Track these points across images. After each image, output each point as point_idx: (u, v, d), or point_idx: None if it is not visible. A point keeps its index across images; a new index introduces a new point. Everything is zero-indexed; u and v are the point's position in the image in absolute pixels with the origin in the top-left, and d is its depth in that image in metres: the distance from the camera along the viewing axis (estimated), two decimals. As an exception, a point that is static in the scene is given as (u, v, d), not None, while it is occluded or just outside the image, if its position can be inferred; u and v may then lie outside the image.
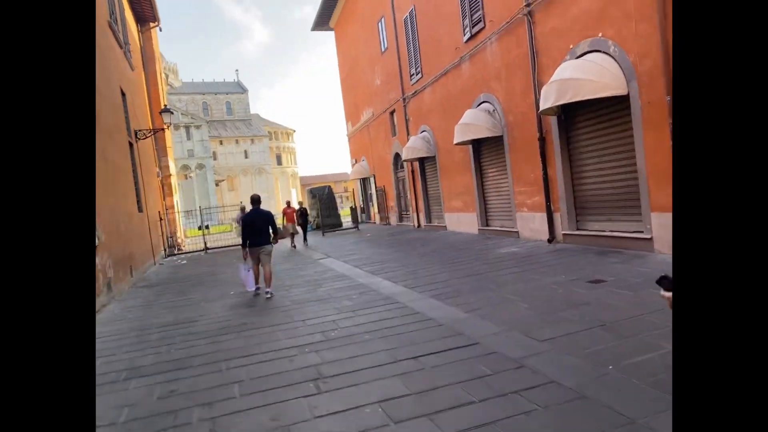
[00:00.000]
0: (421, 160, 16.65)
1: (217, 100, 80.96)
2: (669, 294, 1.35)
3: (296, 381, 3.88)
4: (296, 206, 17.60)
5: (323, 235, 20.23)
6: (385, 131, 20.12)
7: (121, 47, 14.13)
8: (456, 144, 12.40)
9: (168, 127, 16.25)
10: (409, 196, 18.38)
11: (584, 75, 7.43)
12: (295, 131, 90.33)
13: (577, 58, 8.15)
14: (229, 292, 8.71)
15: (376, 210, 23.04)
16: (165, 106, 16.12)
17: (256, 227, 7.84)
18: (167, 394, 3.92)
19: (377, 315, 5.72)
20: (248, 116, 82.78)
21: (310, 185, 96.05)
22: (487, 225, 12.79)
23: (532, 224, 10.41)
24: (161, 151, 21.96)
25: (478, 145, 12.65)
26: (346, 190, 19.74)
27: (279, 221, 11.77)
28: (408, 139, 17.19)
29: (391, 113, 19.33)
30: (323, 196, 23.67)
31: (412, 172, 17.47)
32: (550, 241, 9.68)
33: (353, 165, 26.02)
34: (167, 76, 70.26)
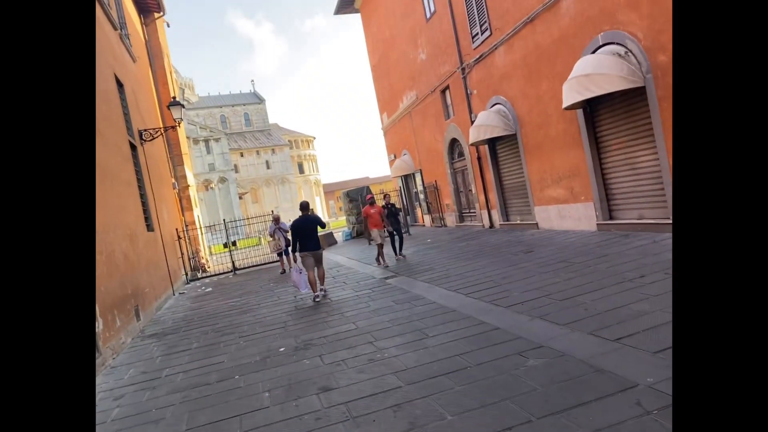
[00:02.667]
0: (492, 143, 13.30)
1: (235, 111, 79.22)
2: None
3: None
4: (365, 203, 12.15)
5: (369, 243, 17.02)
6: (435, 115, 16.83)
7: (115, 28, 11.23)
8: (567, 108, 9.03)
9: (179, 124, 13.27)
10: (474, 190, 15.01)
11: None
12: (315, 138, 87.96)
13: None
14: (277, 348, 5.51)
15: (425, 210, 19.73)
16: (174, 98, 13.16)
17: (308, 233, 8.16)
18: None
19: None
20: (267, 126, 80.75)
21: (332, 191, 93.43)
22: (612, 218, 9.36)
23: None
24: (177, 159, 19.12)
25: (594, 107, 9.25)
26: (381, 192, 16.89)
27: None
28: (472, 118, 13.87)
29: (443, 91, 16.04)
30: (362, 198, 20.45)
31: (479, 159, 14.11)
32: None
33: (392, 161, 22.78)
34: (183, 91, 68.56)
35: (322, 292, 8.20)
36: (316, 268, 8.18)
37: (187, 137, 61.45)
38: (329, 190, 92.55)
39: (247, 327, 7.00)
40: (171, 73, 20.31)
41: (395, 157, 22.38)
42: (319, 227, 8.33)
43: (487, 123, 12.20)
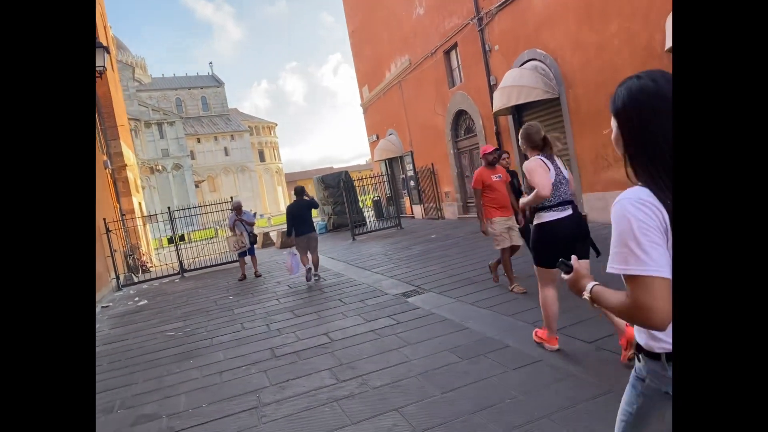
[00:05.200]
0: (517, 112, 10.43)
1: (192, 95, 73.69)
2: (568, 276, 1.30)
3: None
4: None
5: (353, 239, 13.91)
6: (436, 82, 13.83)
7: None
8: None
9: (101, 75, 9.69)
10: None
11: None
12: (276, 124, 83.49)
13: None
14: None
15: (416, 200, 16.77)
16: (98, 41, 9.56)
17: (303, 217, 8.13)
18: None
19: None
20: (226, 111, 75.69)
21: (295, 182, 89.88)
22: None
23: None
24: (111, 132, 15.37)
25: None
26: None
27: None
28: (491, 82, 10.95)
29: (447, 52, 13.05)
30: (339, 184, 17.25)
31: (498, 134, 11.21)
32: None
33: (374, 143, 19.67)
34: (133, 70, 62.67)
35: (316, 277, 8.15)
36: (310, 253, 8.18)
37: (138, 119, 56.15)
38: (291, 180, 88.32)
39: (186, 400, 3.82)
40: (103, 15, 16.36)
41: (378, 138, 19.28)
42: (314, 210, 8.38)
43: (520, 83, 9.29)
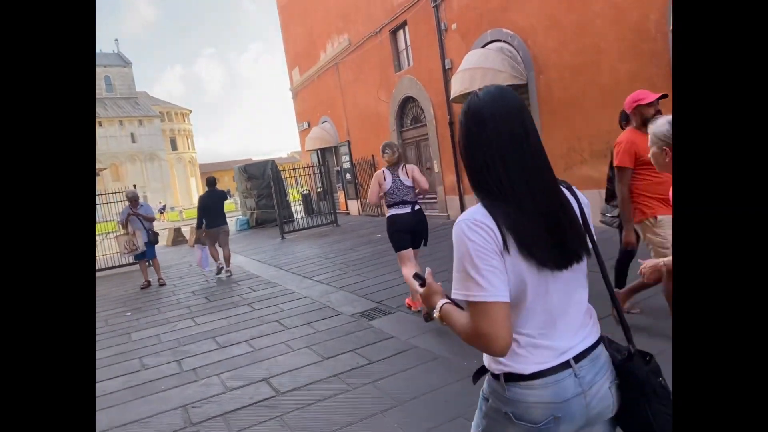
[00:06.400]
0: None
1: (93, 73, 66.58)
2: (422, 290, 1.25)
3: None
4: None
5: (282, 237, 12.21)
6: (380, 65, 12.49)
7: None
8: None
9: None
10: (437, 168, 10.96)
11: None
12: (191, 111, 78.02)
13: None
14: None
15: (352, 195, 15.36)
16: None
17: (217, 208, 7.95)
18: None
19: None
20: (134, 94, 69.29)
21: (210, 173, 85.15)
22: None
23: None
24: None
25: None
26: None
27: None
28: (447, 65, 9.81)
29: (394, 32, 11.75)
30: (265, 175, 15.39)
31: (451, 123, 10.09)
32: None
33: (304, 131, 17.96)
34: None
35: (228, 274, 7.91)
36: (221, 247, 8.03)
37: None
38: (206, 171, 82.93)
39: None
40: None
41: (309, 125, 17.60)
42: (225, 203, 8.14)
43: (484, 65, 8.20)
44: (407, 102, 11.79)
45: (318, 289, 6.27)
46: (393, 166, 4.43)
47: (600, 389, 1.14)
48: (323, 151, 16.99)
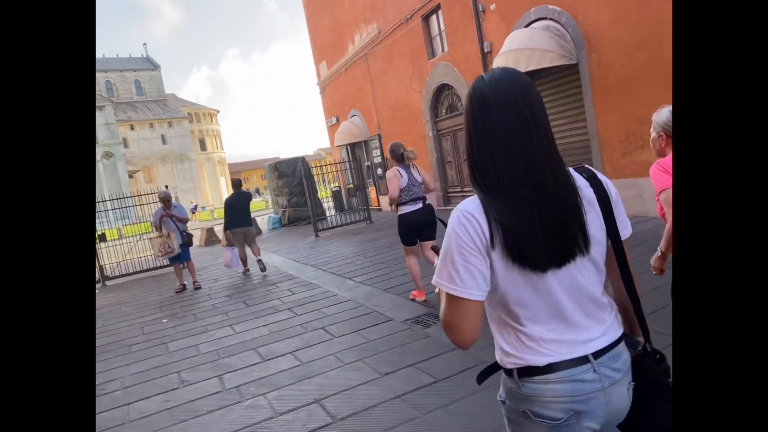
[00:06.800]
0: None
1: (124, 78, 67.80)
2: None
3: None
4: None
5: (316, 235, 11.87)
6: (411, 53, 11.97)
7: None
8: None
9: None
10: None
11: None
12: (218, 111, 78.92)
13: None
14: None
15: (385, 190, 14.90)
16: None
17: (241, 209, 8.03)
18: None
19: None
20: (162, 96, 70.45)
21: (239, 173, 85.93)
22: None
23: None
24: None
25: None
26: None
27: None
28: (486, 48, 9.23)
29: (426, 17, 11.21)
30: (296, 172, 15.09)
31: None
32: None
33: (333, 126, 17.59)
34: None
35: (261, 265, 7.95)
36: (249, 247, 8.09)
37: None
38: (234, 170, 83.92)
39: None
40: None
41: (338, 120, 17.21)
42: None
43: (531, 45, 7.60)
44: (442, 90, 11.25)
45: (361, 291, 5.85)
46: (403, 164, 4.68)
47: (620, 388, 1.10)
48: (353, 146, 16.59)
